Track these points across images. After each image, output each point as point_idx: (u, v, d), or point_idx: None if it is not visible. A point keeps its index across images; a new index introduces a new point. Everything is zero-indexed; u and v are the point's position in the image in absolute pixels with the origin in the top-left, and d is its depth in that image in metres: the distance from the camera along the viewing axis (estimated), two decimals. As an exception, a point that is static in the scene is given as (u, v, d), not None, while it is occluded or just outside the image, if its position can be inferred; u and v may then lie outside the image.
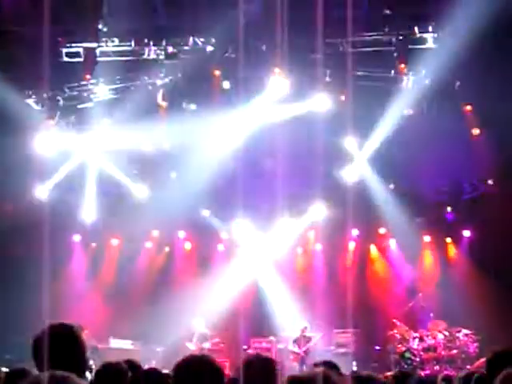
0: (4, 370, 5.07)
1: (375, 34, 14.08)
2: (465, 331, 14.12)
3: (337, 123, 15.23)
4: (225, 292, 16.64)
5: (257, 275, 17.39)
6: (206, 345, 14.74)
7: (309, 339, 14.85)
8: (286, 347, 15.30)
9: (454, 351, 14.00)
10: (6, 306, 14.81)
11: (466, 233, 16.49)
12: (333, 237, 17.01)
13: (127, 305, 16.61)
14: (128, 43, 14.78)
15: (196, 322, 14.81)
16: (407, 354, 14.23)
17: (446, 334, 14.30)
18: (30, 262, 14.94)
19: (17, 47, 13.60)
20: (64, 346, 3.46)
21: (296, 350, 14.74)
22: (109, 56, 14.83)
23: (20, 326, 14.58)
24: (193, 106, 15.53)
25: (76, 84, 15.39)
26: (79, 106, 15.80)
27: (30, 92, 15.08)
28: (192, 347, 14.58)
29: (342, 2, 13.34)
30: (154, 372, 5.05)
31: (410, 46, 13.89)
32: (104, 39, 14.60)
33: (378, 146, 15.84)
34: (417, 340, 14.41)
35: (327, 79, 15.06)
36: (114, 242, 17.68)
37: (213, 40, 14.53)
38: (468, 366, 13.55)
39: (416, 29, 13.76)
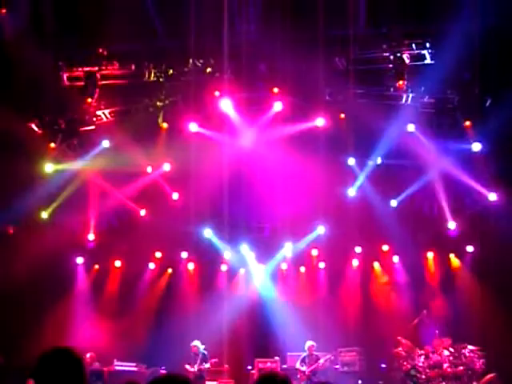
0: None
1: (373, 51, 14.16)
2: (470, 347, 13.98)
3: (337, 142, 15.31)
4: (228, 312, 16.58)
5: (260, 294, 17.34)
6: (206, 365, 14.68)
7: (317, 358, 14.69)
8: (292, 366, 15.17)
9: (460, 368, 13.85)
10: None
11: (470, 248, 16.44)
12: (336, 255, 17.00)
13: (131, 327, 16.57)
14: (128, 66, 14.90)
15: (194, 344, 14.78)
16: (413, 372, 14.09)
17: (452, 350, 14.17)
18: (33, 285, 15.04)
19: (19, 72, 13.70)
20: (66, 370, 3.45)
21: (303, 368, 14.61)
22: (109, 79, 14.95)
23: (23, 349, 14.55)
24: (193, 127, 15.60)
25: (77, 107, 15.49)
26: (81, 129, 15.90)
27: (32, 115, 15.18)
28: (191, 369, 14.54)
29: (340, 20, 13.48)
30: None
31: (408, 63, 13.96)
32: (104, 62, 14.75)
33: (379, 164, 15.88)
34: (422, 357, 14.28)
35: (327, 98, 15.12)
36: (117, 263, 17.66)
37: (212, 61, 14.64)
38: (474, 383, 13.46)
39: (414, 45, 13.84)
